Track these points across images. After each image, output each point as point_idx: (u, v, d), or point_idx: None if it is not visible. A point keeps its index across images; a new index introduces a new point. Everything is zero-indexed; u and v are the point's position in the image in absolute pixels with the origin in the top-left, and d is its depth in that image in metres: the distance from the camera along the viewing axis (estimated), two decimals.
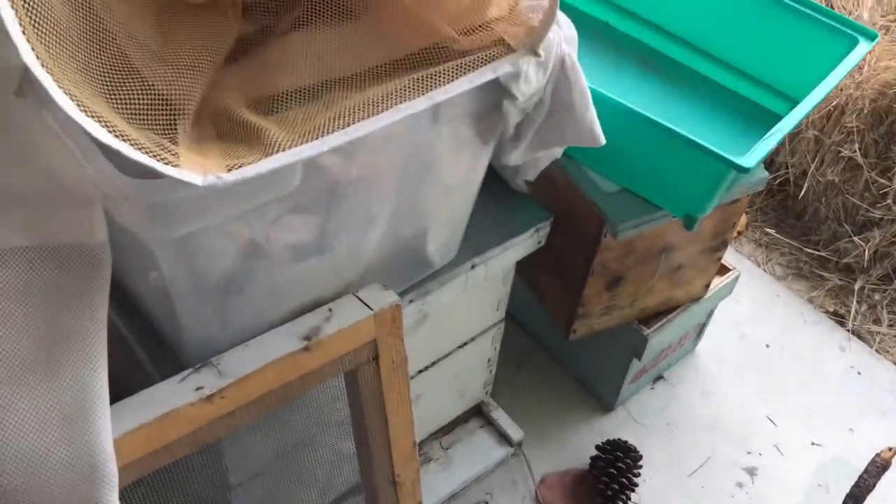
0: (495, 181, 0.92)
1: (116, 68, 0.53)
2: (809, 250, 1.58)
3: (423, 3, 0.66)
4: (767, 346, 1.41)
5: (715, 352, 1.38)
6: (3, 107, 0.57)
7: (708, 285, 1.17)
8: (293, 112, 0.59)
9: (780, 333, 1.44)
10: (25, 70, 0.56)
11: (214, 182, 0.48)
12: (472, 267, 0.88)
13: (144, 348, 0.74)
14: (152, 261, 0.60)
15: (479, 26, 0.65)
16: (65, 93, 0.45)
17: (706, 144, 0.80)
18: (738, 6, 1.07)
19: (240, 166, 0.50)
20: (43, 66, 0.44)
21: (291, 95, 0.62)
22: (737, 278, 1.24)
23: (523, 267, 0.97)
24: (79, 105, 0.45)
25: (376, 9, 0.66)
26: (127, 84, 0.53)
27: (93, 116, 0.46)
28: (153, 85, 0.55)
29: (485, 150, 0.75)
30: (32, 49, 0.43)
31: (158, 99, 0.54)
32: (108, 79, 0.52)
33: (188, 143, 0.54)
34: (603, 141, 0.73)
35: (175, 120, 0.54)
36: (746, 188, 0.99)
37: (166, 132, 0.53)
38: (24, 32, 0.43)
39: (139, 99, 0.52)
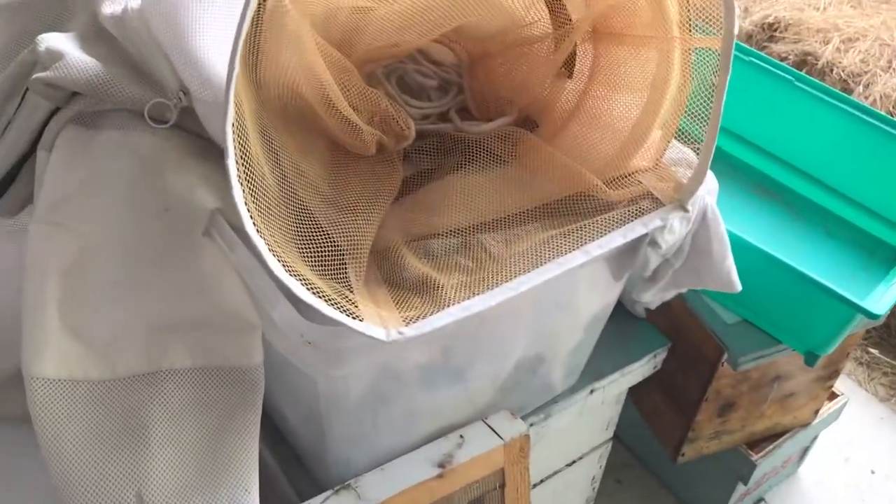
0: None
1: (302, 218, 0.57)
2: None
3: (570, 152, 0.69)
4: (873, 472, 1.37)
5: (818, 475, 1.34)
6: (190, 244, 0.63)
7: (817, 411, 1.15)
8: (454, 258, 0.63)
9: (886, 459, 1.39)
10: (212, 214, 0.62)
11: (397, 338, 0.51)
12: (591, 392, 0.89)
13: (280, 464, 0.77)
14: (310, 388, 0.64)
15: (624, 176, 0.68)
16: (273, 254, 0.49)
17: (839, 290, 0.81)
18: (853, 136, 1.09)
19: (415, 319, 0.53)
20: (258, 231, 0.48)
21: (447, 236, 0.66)
22: (845, 405, 1.22)
23: (632, 386, 0.98)
24: (284, 265, 0.49)
25: (525, 156, 0.70)
26: (311, 233, 0.57)
27: (294, 275, 0.50)
28: (329, 233, 0.59)
29: (617, 285, 0.77)
30: (251, 216, 0.48)
31: (337, 247, 0.58)
32: (296, 229, 0.56)
33: (361, 288, 0.57)
34: (739, 288, 0.74)
35: (350, 266, 0.58)
36: (866, 322, 0.99)
37: (344, 279, 0.56)
38: (245, 203, 0.47)
39: (321, 248, 0.56)
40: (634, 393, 1.10)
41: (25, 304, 0.64)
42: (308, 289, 0.50)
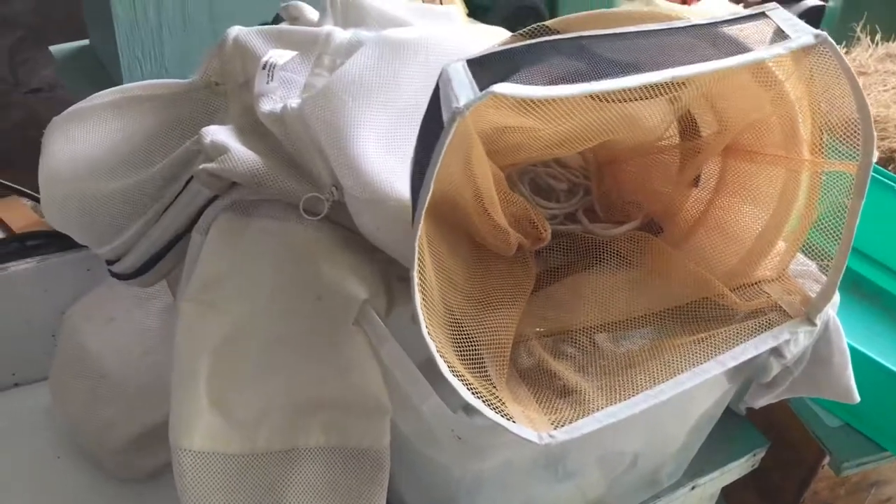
0: None
1: (454, 317, 0.60)
2: None
3: (694, 258, 0.72)
4: None
5: None
6: (340, 332, 0.66)
7: None
8: (587, 357, 0.65)
9: None
10: (362, 304, 0.66)
11: (549, 441, 0.54)
12: (692, 488, 0.90)
13: None
14: (443, 476, 0.66)
15: (748, 285, 0.71)
16: (441, 356, 0.52)
17: None
18: None
19: (562, 423, 0.56)
20: (430, 334, 0.51)
21: (576, 334, 0.69)
22: None
23: None
24: (449, 367, 0.53)
25: (651, 259, 0.73)
26: (460, 332, 0.60)
27: (457, 375, 0.53)
28: (474, 332, 0.62)
29: (731, 388, 0.79)
30: (425, 321, 0.51)
31: (480, 345, 0.61)
32: (450, 328, 0.59)
33: (503, 386, 0.60)
34: (857, 398, 0.75)
35: (494, 364, 0.61)
36: None
37: (488, 377, 0.59)
38: (421, 308, 0.51)
39: (470, 346, 0.59)
40: (726, 488, 1.11)
41: (175, 377, 0.68)
42: (468, 389, 0.53)
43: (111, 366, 0.92)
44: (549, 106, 0.52)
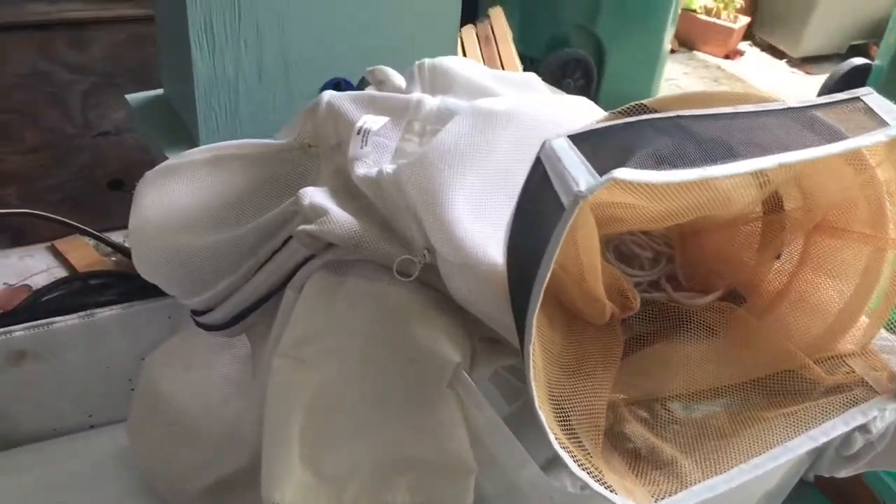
0: None
1: (551, 387, 0.62)
2: None
3: (779, 331, 0.73)
4: None
5: None
6: (434, 395, 0.68)
7: None
8: (659, 422, 0.67)
9: None
10: (456, 367, 0.68)
11: None
12: None
13: None
14: None
15: (830, 358, 0.72)
16: (549, 429, 0.54)
17: None
18: None
19: (661, 496, 0.57)
20: (539, 406, 0.53)
21: (661, 402, 0.70)
22: None
23: None
24: (557, 439, 0.54)
25: (735, 330, 0.74)
26: (557, 401, 0.61)
27: (563, 447, 0.54)
28: (569, 400, 0.63)
29: (808, 459, 0.79)
30: (536, 394, 0.53)
31: (572, 413, 0.63)
32: (550, 397, 0.61)
33: (598, 454, 0.61)
34: None
35: (588, 433, 0.62)
36: None
37: (585, 447, 0.61)
38: (533, 381, 0.52)
39: (567, 415, 0.61)
40: None
41: (267, 431, 0.70)
42: (573, 460, 0.55)
43: (189, 413, 0.94)
44: (662, 188, 0.54)
